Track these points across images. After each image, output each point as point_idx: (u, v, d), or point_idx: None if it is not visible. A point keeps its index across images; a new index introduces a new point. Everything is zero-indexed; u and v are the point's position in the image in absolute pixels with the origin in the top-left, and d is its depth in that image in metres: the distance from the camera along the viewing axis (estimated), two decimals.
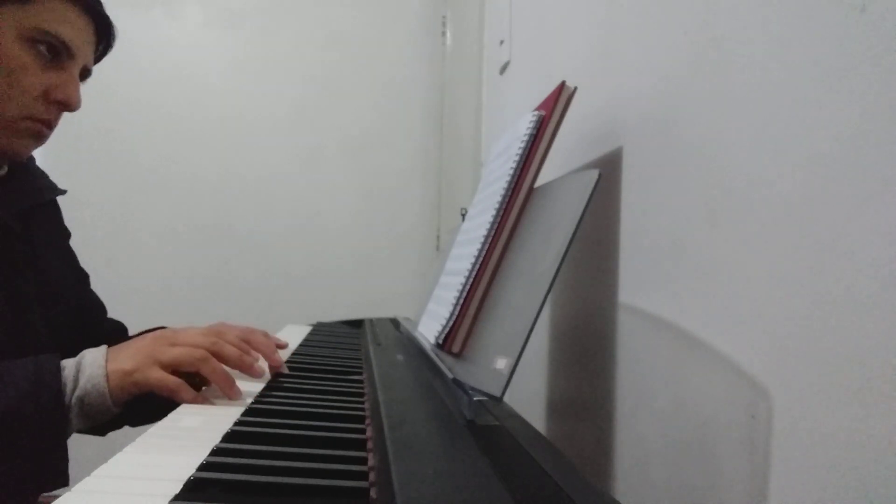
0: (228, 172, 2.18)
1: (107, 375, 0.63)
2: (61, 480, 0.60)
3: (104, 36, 0.80)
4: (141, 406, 0.67)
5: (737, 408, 0.45)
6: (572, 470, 0.41)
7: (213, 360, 0.66)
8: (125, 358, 0.64)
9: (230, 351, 0.68)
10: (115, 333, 0.98)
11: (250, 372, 0.70)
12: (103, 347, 0.66)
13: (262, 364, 0.74)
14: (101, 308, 0.99)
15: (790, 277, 0.40)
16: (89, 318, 0.95)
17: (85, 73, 0.78)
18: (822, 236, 0.38)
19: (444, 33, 2.26)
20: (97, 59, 0.81)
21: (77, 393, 0.62)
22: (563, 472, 0.41)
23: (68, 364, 0.63)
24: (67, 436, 0.62)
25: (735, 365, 0.45)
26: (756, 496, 0.43)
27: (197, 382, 0.67)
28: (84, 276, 0.97)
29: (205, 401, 0.64)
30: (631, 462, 0.62)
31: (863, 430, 0.34)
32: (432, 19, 2.29)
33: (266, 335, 0.83)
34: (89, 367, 0.63)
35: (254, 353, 0.73)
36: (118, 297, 2.01)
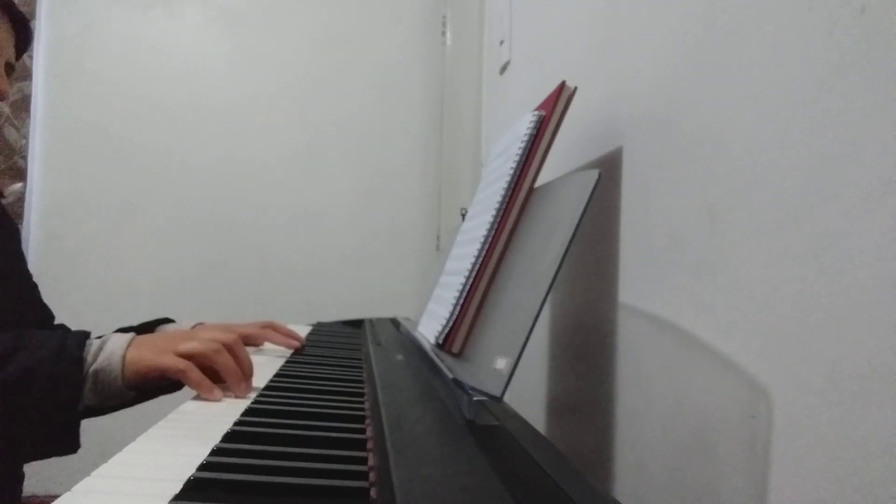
0: (229, 174, 2.18)
1: (124, 356, 0.66)
2: (72, 446, 0.65)
3: (22, 31, 0.85)
4: (151, 393, 0.71)
5: (737, 408, 0.45)
6: (572, 470, 0.41)
7: (227, 354, 0.68)
8: (145, 346, 0.68)
9: (243, 353, 0.70)
10: None
11: (247, 382, 0.70)
12: (131, 334, 0.70)
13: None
14: (50, 316, 1.04)
15: (790, 277, 0.40)
16: (42, 322, 0.99)
17: (9, 69, 0.84)
18: (822, 236, 0.38)
19: (444, 33, 2.26)
20: (19, 55, 0.87)
21: (94, 367, 0.65)
22: (563, 472, 0.41)
23: (95, 341, 0.68)
24: (81, 405, 0.65)
25: (735, 365, 0.45)
26: (756, 496, 0.43)
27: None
28: (33, 285, 1.01)
29: (210, 388, 0.65)
30: (631, 462, 0.62)
31: (863, 429, 0.34)
32: (432, 19, 2.29)
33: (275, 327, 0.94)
34: (110, 347, 0.67)
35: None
36: (115, 295, 2.03)
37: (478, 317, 0.63)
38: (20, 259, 0.99)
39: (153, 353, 0.67)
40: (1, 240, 0.92)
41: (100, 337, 0.71)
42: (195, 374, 0.65)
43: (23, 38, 0.86)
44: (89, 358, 0.66)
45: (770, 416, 0.41)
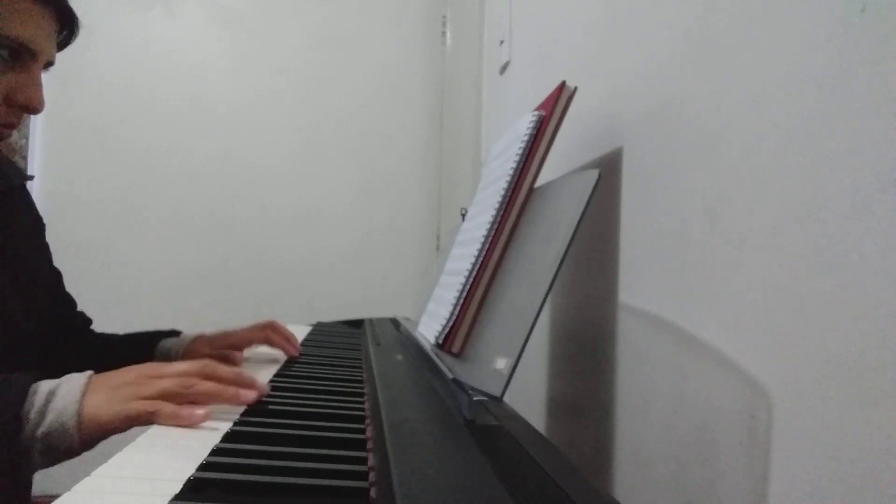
0: (229, 174, 2.18)
1: (79, 412, 0.55)
2: None
3: (67, 24, 0.77)
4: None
5: (737, 408, 0.45)
6: (572, 470, 0.41)
7: (204, 382, 0.60)
8: (104, 395, 0.57)
9: (224, 372, 0.63)
10: (82, 327, 1.01)
11: (246, 395, 0.62)
12: (88, 373, 0.59)
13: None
14: (72, 303, 1.00)
15: (790, 277, 0.40)
16: (62, 311, 0.95)
17: (48, 65, 0.76)
18: (822, 236, 0.38)
19: (444, 33, 2.26)
20: (62, 47, 0.79)
21: (42, 429, 0.53)
22: (563, 473, 0.41)
23: (41, 391, 0.55)
24: (26, 469, 0.55)
25: (735, 365, 0.45)
26: (756, 496, 0.43)
27: None
28: (57, 273, 0.96)
29: (188, 416, 0.56)
30: (631, 462, 0.62)
31: (863, 429, 0.34)
32: (432, 19, 2.29)
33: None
34: (61, 401, 0.55)
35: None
36: (115, 295, 2.02)
37: (478, 317, 0.63)
38: (48, 263, 0.93)
39: (116, 403, 0.56)
40: (32, 248, 0.86)
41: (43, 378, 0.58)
42: (167, 408, 0.56)
43: (68, 30, 0.77)
44: (34, 415, 0.53)
45: (770, 416, 0.41)
